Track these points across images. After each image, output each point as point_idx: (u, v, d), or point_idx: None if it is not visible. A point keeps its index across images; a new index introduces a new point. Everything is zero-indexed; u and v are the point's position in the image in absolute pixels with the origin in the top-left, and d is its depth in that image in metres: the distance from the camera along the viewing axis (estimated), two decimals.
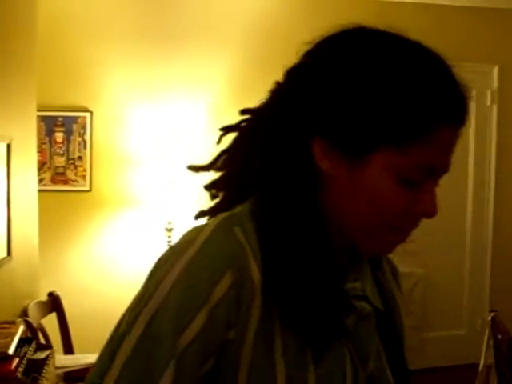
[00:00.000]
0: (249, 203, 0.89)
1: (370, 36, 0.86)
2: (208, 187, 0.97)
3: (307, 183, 0.87)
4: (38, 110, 4.30)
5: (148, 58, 4.39)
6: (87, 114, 4.41)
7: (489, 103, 4.79)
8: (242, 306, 0.81)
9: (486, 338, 2.88)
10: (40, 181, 4.41)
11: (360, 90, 0.82)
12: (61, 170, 4.46)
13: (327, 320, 0.85)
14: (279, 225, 0.86)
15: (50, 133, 4.43)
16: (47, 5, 4.19)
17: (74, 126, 4.44)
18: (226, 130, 0.95)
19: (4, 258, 2.77)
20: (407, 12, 4.62)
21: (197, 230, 0.85)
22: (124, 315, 0.83)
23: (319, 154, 0.85)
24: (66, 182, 4.46)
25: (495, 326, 2.83)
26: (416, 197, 0.84)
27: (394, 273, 1.10)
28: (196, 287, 0.79)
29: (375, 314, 0.96)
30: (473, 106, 4.73)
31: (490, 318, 2.84)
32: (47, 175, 4.44)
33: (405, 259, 4.22)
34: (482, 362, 2.99)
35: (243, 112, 0.95)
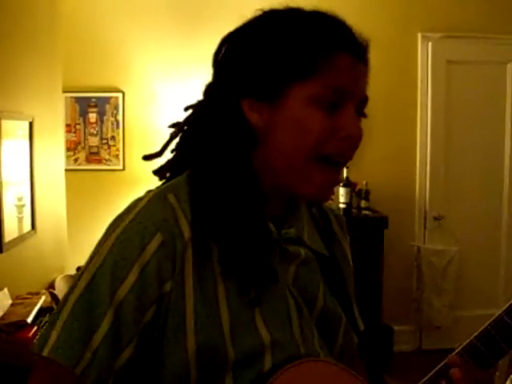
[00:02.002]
0: (185, 174, 1.02)
1: (276, 14, 1.00)
2: (156, 172, 1.08)
3: (240, 143, 0.99)
4: (71, 92, 4.40)
5: (178, 36, 4.42)
6: (119, 95, 4.49)
7: None
8: (177, 260, 0.92)
9: None
10: (75, 160, 4.53)
11: (261, 47, 0.97)
12: (95, 150, 4.55)
13: (258, 263, 0.95)
14: (211, 185, 0.97)
15: (83, 113, 4.51)
16: None
17: (107, 107, 4.51)
18: (173, 125, 1.08)
19: (28, 232, 2.85)
20: None
21: (136, 200, 0.97)
22: (74, 278, 0.95)
23: (247, 111, 0.98)
24: (99, 162, 4.55)
25: None
26: (337, 122, 0.94)
27: (341, 223, 1.21)
28: (129, 248, 0.91)
29: (319, 259, 1.07)
30: (509, 80, 4.63)
31: None
32: (82, 155, 4.54)
33: (439, 236, 4.21)
34: None
35: (185, 109, 1.07)
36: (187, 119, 1.06)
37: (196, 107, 1.05)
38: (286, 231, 1.02)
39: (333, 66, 0.93)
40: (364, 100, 0.99)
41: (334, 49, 0.94)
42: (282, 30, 0.96)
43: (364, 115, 1.00)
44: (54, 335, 0.88)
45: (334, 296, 1.07)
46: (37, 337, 0.84)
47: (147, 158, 1.09)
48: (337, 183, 1.00)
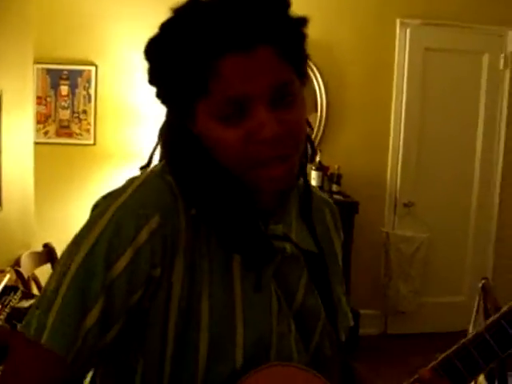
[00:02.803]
0: (160, 164, 1.00)
1: (165, 26, 0.94)
2: (142, 168, 1.04)
3: (194, 148, 0.97)
4: (43, 63, 4.31)
5: (153, 8, 4.33)
6: (92, 68, 4.40)
7: (501, 67, 4.66)
8: (168, 245, 0.91)
9: (475, 305, 2.86)
10: (45, 133, 4.44)
11: (158, 68, 0.94)
12: (65, 124, 4.47)
13: (255, 238, 0.95)
14: (190, 179, 0.96)
15: (55, 86, 4.43)
16: None
17: (79, 80, 4.43)
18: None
19: None
20: None
21: (133, 178, 0.96)
22: (63, 255, 0.93)
23: (190, 126, 0.96)
24: (70, 135, 4.48)
25: (485, 294, 2.81)
26: (249, 126, 0.89)
27: (335, 221, 1.19)
28: (124, 228, 0.89)
29: (306, 255, 1.05)
30: (484, 70, 4.64)
31: (480, 285, 2.82)
32: (52, 128, 4.46)
33: (408, 223, 4.24)
34: (470, 329, 2.98)
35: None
36: (160, 130, 1.04)
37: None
38: (273, 227, 1.01)
39: (219, 77, 0.87)
40: (276, 89, 0.89)
41: (215, 57, 0.87)
42: (170, 49, 0.91)
43: (293, 96, 0.91)
44: (50, 319, 0.87)
45: (318, 293, 1.06)
46: (28, 317, 0.84)
47: (142, 168, 1.05)
48: (289, 172, 0.94)
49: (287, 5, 0.92)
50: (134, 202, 0.92)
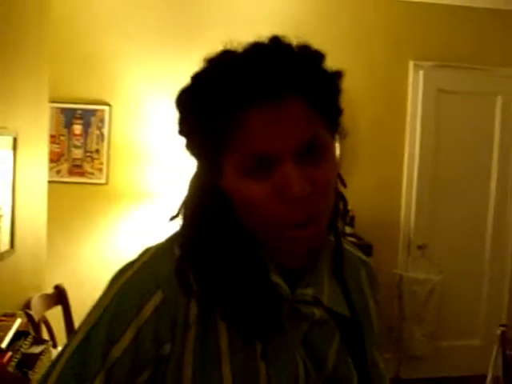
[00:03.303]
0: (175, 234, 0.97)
1: (190, 85, 0.91)
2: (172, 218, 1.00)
3: (219, 205, 0.92)
4: (57, 102, 4.33)
5: (167, 51, 4.37)
6: (106, 108, 4.42)
7: None
8: (178, 320, 0.88)
9: (494, 351, 2.81)
10: (57, 172, 4.44)
11: (184, 122, 0.92)
12: (78, 163, 4.47)
13: (259, 311, 0.89)
14: (206, 245, 0.92)
15: (68, 125, 4.44)
16: None
17: (93, 119, 4.44)
18: None
19: (7, 251, 2.77)
20: (433, 13, 4.53)
21: (144, 251, 0.95)
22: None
23: (216, 181, 0.92)
24: (82, 175, 4.47)
25: (505, 340, 2.75)
26: (277, 183, 0.85)
27: (372, 281, 1.12)
28: (126, 305, 0.88)
29: (337, 319, 0.99)
30: (498, 112, 4.62)
31: (499, 332, 2.76)
32: (64, 167, 4.46)
33: (422, 265, 4.18)
34: (489, 375, 2.92)
35: None
36: (190, 182, 1.00)
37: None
38: (302, 292, 0.95)
39: (244, 131, 0.84)
40: (303, 145, 0.85)
41: (239, 109, 0.83)
42: (194, 106, 0.88)
43: (323, 149, 0.87)
44: None
45: (352, 359, 1.00)
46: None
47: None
48: (317, 233, 0.89)
49: (321, 56, 0.89)
50: (137, 279, 0.90)
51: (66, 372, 0.86)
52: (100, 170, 4.47)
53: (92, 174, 4.47)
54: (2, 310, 2.59)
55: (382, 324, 4.01)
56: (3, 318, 2.42)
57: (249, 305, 0.89)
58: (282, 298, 0.93)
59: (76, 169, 4.47)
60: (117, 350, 0.85)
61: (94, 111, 4.43)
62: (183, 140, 0.94)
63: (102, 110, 4.42)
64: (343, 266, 1.04)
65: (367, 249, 4.19)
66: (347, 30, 4.51)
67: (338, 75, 0.91)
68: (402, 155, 4.62)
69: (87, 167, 4.47)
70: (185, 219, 0.96)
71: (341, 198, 1.01)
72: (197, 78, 0.90)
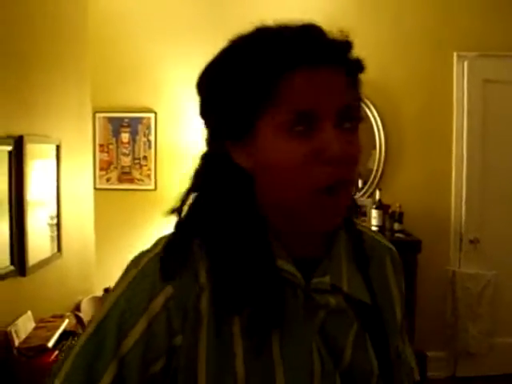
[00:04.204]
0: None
1: (233, 45, 0.94)
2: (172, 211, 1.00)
3: (236, 187, 0.94)
4: (104, 112, 4.44)
5: (207, 51, 4.36)
6: (151, 115, 4.51)
7: None
8: (189, 311, 0.88)
9: None
10: (107, 180, 4.56)
11: (221, 85, 0.92)
12: (127, 170, 4.58)
13: (259, 302, 0.89)
14: (219, 230, 0.93)
15: (116, 134, 4.56)
16: (105, 7, 4.29)
17: (140, 127, 4.55)
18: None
19: (54, 255, 2.86)
20: (475, 2, 4.44)
21: (157, 241, 0.95)
22: None
23: (233, 154, 0.93)
24: (132, 181, 4.58)
25: None
26: (316, 144, 0.86)
27: (396, 269, 1.09)
28: (138, 297, 0.88)
29: (357, 307, 0.98)
30: None
31: None
32: (114, 174, 4.57)
33: (474, 261, 4.07)
34: None
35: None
36: (197, 169, 1.00)
37: (203, 157, 1.00)
38: (319, 280, 0.94)
39: (289, 89, 0.85)
40: (344, 109, 0.87)
41: (287, 69, 0.85)
42: (237, 63, 0.90)
43: (356, 121, 0.90)
44: (60, 376, 0.88)
45: (373, 348, 0.98)
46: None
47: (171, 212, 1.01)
48: (343, 209, 0.90)
49: (351, 43, 0.93)
50: (151, 270, 0.90)
51: (78, 362, 0.88)
52: (148, 176, 4.56)
53: (141, 180, 4.57)
54: (51, 312, 2.68)
55: (435, 321, 3.94)
56: (51, 319, 2.50)
57: (251, 291, 0.89)
58: (295, 287, 0.93)
59: (125, 176, 4.57)
60: (128, 342, 0.87)
61: (140, 119, 4.53)
62: (204, 115, 0.95)
63: (148, 118, 4.52)
64: (364, 252, 1.03)
65: (416, 245, 4.14)
66: (389, 25, 4.46)
67: (362, 64, 0.94)
68: (450, 148, 4.53)
69: (136, 174, 4.57)
70: (199, 196, 0.97)
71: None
72: (238, 45, 0.92)
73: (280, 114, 0.86)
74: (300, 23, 0.90)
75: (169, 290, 0.88)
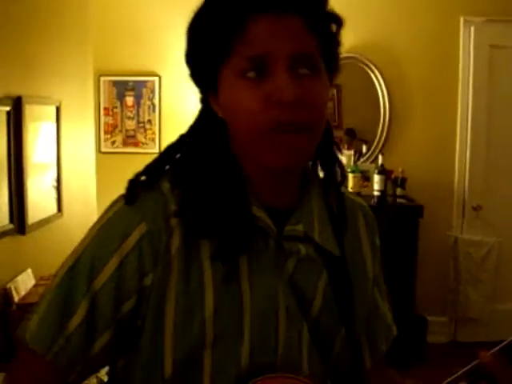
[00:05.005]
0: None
1: None
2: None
3: (213, 135, 0.98)
4: (109, 75, 4.45)
5: None
6: (156, 78, 4.52)
7: None
8: (160, 249, 0.91)
9: None
10: (112, 143, 4.59)
11: (190, 39, 0.96)
12: (131, 133, 4.59)
13: (228, 228, 0.92)
14: (194, 174, 0.97)
15: (121, 97, 4.56)
16: None
17: (144, 90, 4.55)
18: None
19: (54, 215, 2.91)
20: None
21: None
22: None
23: (212, 105, 0.98)
24: (136, 145, 4.60)
25: None
26: (268, 88, 0.88)
27: (368, 224, 1.12)
28: (111, 236, 0.92)
29: (326, 258, 1.00)
30: None
31: None
32: (119, 138, 4.60)
33: (477, 227, 4.07)
34: None
35: None
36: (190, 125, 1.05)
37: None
38: (290, 228, 0.97)
39: (246, 36, 0.88)
40: (298, 55, 0.89)
41: (244, 17, 0.88)
42: (202, 14, 0.94)
43: (315, 69, 0.91)
44: (34, 319, 0.92)
45: (336, 300, 1.00)
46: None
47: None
48: (299, 150, 0.91)
49: None
50: (124, 211, 0.93)
51: (52, 300, 0.91)
52: (153, 139, 4.58)
53: (145, 144, 4.59)
54: (52, 270, 2.72)
55: (436, 287, 3.93)
56: (52, 277, 2.54)
57: (222, 221, 0.93)
58: (267, 236, 0.95)
59: (130, 139, 4.60)
60: (101, 279, 0.89)
61: (144, 82, 4.54)
62: (188, 68, 0.98)
63: (153, 81, 4.53)
64: (343, 205, 1.06)
65: (418, 210, 4.14)
66: None
67: (338, 18, 0.96)
68: (455, 114, 4.50)
69: (140, 137, 4.59)
70: (181, 147, 1.01)
71: (339, 165, 1.06)
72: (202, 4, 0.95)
73: (236, 61, 0.89)
74: None
75: (143, 227, 0.90)
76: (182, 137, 1.03)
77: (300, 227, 0.97)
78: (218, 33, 0.90)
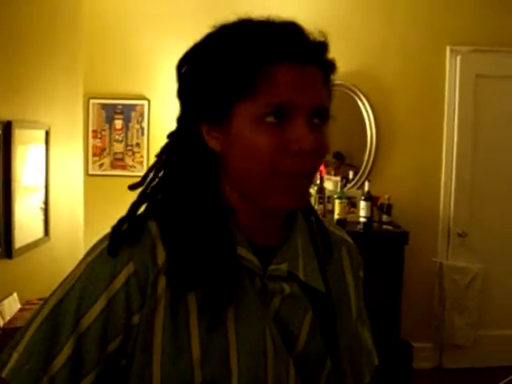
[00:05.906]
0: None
1: (218, 33, 0.97)
2: (131, 187, 1.07)
3: (203, 169, 0.98)
4: (98, 98, 4.46)
5: None
6: (145, 102, 4.54)
7: None
8: (147, 291, 0.91)
9: None
10: (100, 166, 4.59)
11: (203, 70, 0.95)
12: (119, 156, 4.60)
13: (214, 279, 0.92)
14: (179, 211, 0.96)
15: (109, 120, 4.58)
16: None
17: (133, 114, 4.57)
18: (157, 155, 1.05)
19: (41, 239, 2.90)
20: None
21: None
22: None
23: (206, 136, 0.97)
24: (124, 168, 4.61)
25: None
26: (287, 137, 0.90)
27: (353, 262, 1.14)
28: (99, 276, 0.91)
29: (312, 295, 1.01)
30: None
31: None
32: (107, 160, 4.60)
33: (462, 254, 4.10)
34: None
35: (167, 137, 1.05)
36: (164, 147, 1.03)
37: (171, 135, 1.03)
38: (276, 267, 0.98)
39: (271, 82, 0.89)
40: (317, 108, 0.92)
41: (271, 62, 0.89)
42: (221, 50, 0.93)
43: (326, 119, 0.95)
44: (15, 356, 0.89)
45: (321, 335, 1.01)
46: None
47: (132, 187, 1.06)
48: (303, 193, 0.96)
49: (327, 45, 0.97)
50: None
51: (36, 337, 0.90)
52: (141, 163, 4.60)
53: (133, 167, 4.60)
54: (38, 295, 2.72)
55: (422, 313, 3.97)
56: (38, 301, 2.53)
57: (208, 271, 0.92)
58: (253, 275, 0.96)
59: (118, 162, 4.60)
60: (88, 319, 0.89)
61: (133, 106, 4.56)
62: (182, 99, 0.99)
63: (142, 105, 4.55)
64: (327, 240, 1.08)
65: (403, 237, 4.17)
66: (381, 16, 4.48)
67: (335, 65, 0.99)
68: (441, 141, 4.56)
69: (128, 160, 4.60)
70: (165, 175, 1.00)
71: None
72: (221, 33, 0.96)
73: (258, 105, 0.90)
74: (282, 20, 0.94)
75: (131, 267, 0.91)
76: (158, 162, 1.02)
77: (284, 266, 0.98)
78: (244, 71, 0.90)
